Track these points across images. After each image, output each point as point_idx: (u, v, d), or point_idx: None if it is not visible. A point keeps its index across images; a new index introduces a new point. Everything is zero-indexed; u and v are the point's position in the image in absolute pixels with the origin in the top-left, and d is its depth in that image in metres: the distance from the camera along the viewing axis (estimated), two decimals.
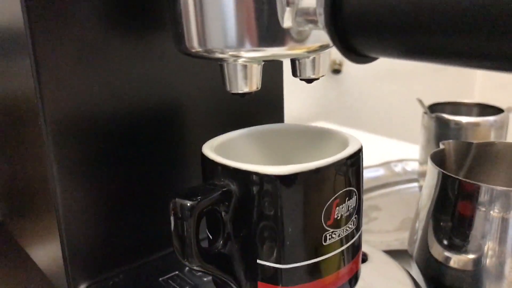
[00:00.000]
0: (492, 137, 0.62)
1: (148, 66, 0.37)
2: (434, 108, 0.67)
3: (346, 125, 1.13)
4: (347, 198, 0.29)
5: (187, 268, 0.38)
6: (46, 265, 0.42)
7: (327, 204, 0.28)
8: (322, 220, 0.28)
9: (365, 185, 0.70)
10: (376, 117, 1.33)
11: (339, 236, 0.29)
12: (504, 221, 0.35)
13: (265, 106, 0.44)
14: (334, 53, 1.21)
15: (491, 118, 0.62)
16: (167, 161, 0.40)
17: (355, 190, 0.29)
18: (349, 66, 1.23)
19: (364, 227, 0.60)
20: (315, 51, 0.28)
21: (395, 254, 0.47)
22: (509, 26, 0.16)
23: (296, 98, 1.18)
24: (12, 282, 0.47)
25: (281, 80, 0.45)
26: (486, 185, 0.35)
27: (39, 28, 0.32)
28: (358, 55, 0.23)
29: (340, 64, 1.21)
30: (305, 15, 0.24)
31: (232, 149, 0.32)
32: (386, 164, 0.75)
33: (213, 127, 0.37)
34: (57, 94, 0.33)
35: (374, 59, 0.23)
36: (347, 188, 0.29)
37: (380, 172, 0.74)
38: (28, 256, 0.46)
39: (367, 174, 0.73)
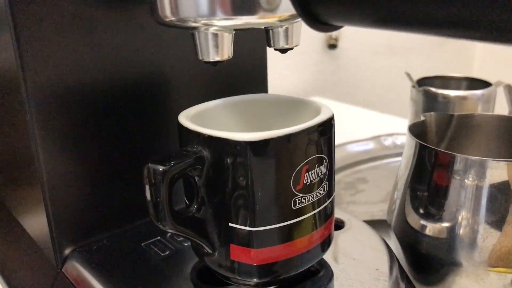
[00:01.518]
0: (479, 111, 0.62)
1: (129, 37, 0.38)
2: (423, 82, 0.68)
3: (341, 100, 1.13)
4: (317, 165, 0.30)
5: (169, 234, 0.39)
6: (35, 232, 0.43)
7: (296, 170, 0.29)
8: (292, 185, 0.29)
9: (354, 158, 0.71)
10: (372, 92, 1.33)
11: (309, 201, 0.30)
12: (478, 189, 0.36)
13: (248, 78, 0.45)
14: None
15: (478, 92, 0.62)
16: (149, 130, 0.40)
17: (326, 157, 0.30)
18: (345, 41, 1.23)
19: (350, 198, 0.61)
20: (286, 20, 0.29)
21: (377, 224, 0.48)
22: None
23: (292, 73, 1.18)
24: (3, 249, 0.48)
25: (265, 52, 0.45)
26: (461, 154, 0.36)
27: (19, 1, 0.32)
28: (322, 24, 0.23)
29: (336, 39, 1.20)
30: None
31: (208, 118, 0.33)
32: (376, 138, 0.76)
33: (196, 98, 0.37)
34: (38, 65, 0.34)
35: (338, 27, 0.24)
36: (317, 155, 0.30)
37: (370, 145, 0.75)
38: (19, 224, 0.47)
39: (356, 147, 0.74)
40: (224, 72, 0.43)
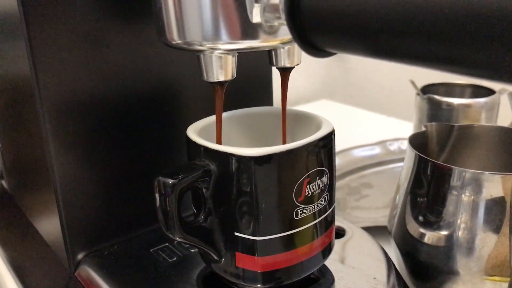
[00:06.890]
0: (482, 118, 0.63)
1: (139, 53, 0.39)
2: (427, 89, 0.69)
3: (349, 103, 1.14)
4: (318, 177, 0.31)
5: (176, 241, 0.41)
6: (48, 236, 0.45)
7: (298, 182, 0.30)
8: (294, 197, 0.30)
9: (360, 163, 0.72)
10: (380, 95, 1.34)
11: (310, 211, 0.31)
12: (474, 201, 0.37)
13: (254, 91, 0.47)
14: None
15: (481, 100, 0.63)
16: (158, 142, 0.42)
17: (326, 170, 0.32)
18: None
19: (354, 203, 0.62)
20: (288, 42, 0.30)
21: (379, 230, 0.49)
22: (500, 33, 0.15)
23: (300, 76, 1.19)
24: (18, 252, 0.50)
25: (270, 66, 0.47)
26: (458, 167, 0.37)
27: (34, 15, 0.34)
28: (319, 50, 0.25)
29: None
30: (273, 11, 0.25)
31: (215, 131, 0.35)
32: (381, 143, 0.77)
33: (203, 110, 0.39)
34: (52, 77, 0.36)
35: (333, 53, 0.25)
36: (318, 168, 0.31)
37: (376, 150, 0.75)
38: (33, 227, 0.49)
39: (362, 152, 0.75)
40: (230, 85, 0.45)
